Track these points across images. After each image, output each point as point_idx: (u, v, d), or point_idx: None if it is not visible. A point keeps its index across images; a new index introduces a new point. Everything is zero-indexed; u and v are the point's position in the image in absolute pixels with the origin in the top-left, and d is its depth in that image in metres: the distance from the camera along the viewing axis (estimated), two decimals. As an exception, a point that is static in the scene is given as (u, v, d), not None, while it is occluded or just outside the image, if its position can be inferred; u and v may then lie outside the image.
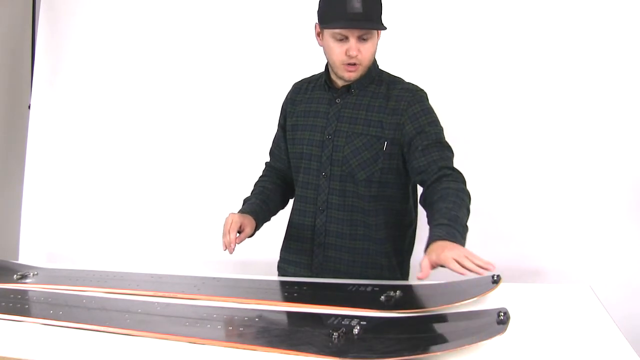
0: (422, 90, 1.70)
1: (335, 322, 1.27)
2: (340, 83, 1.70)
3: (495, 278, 1.43)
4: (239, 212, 1.71)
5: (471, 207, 1.51)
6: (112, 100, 2.73)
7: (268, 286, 1.61)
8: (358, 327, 1.22)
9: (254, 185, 1.87)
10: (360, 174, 1.66)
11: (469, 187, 1.55)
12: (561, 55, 2.28)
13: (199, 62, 2.62)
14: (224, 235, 1.62)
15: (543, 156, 2.31)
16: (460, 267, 1.27)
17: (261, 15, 2.52)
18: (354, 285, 1.55)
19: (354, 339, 1.19)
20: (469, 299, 1.36)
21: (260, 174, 1.91)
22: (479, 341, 1.11)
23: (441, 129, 1.66)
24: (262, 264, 1.86)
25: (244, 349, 1.20)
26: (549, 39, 2.28)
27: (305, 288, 1.56)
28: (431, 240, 1.37)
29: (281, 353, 1.17)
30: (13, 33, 2.87)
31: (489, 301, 1.35)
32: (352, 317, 1.27)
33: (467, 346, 1.10)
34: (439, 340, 1.21)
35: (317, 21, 1.65)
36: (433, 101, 1.70)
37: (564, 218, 2.31)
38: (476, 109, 2.35)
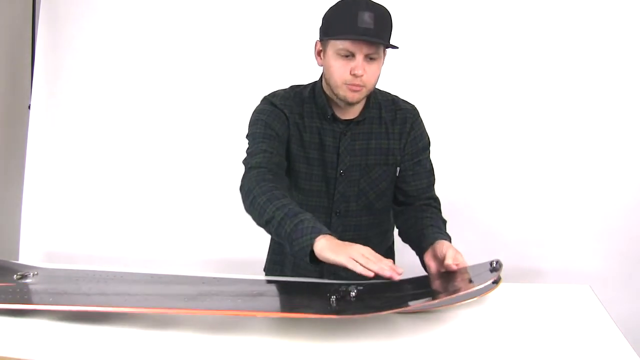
0: (416, 108, 1.65)
1: (332, 288, 1.28)
2: (342, 114, 1.56)
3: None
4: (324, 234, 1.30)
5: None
6: (112, 100, 2.73)
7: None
8: (355, 291, 1.23)
9: (280, 197, 1.40)
10: (378, 204, 1.63)
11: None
12: (559, 55, 2.28)
13: (200, 62, 2.62)
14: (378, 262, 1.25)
15: (543, 157, 2.32)
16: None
17: (263, 18, 2.52)
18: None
19: (351, 300, 1.21)
20: (469, 299, 1.36)
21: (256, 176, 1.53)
22: (476, 296, 1.13)
23: (429, 153, 1.65)
24: (263, 264, 1.85)
25: (244, 315, 1.20)
26: (542, 38, 2.29)
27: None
28: (436, 239, 1.42)
29: (280, 316, 1.18)
30: (13, 33, 2.87)
31: (489, 301, 1.35)
32: (350, 284, 1.28)
33: (464, 302, 1.17)
34: (436, 294, 1.26)
35: (318, 39, 1.51)
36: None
37: (564, 218, 2.31)
38: (477, 110, 2.36)
